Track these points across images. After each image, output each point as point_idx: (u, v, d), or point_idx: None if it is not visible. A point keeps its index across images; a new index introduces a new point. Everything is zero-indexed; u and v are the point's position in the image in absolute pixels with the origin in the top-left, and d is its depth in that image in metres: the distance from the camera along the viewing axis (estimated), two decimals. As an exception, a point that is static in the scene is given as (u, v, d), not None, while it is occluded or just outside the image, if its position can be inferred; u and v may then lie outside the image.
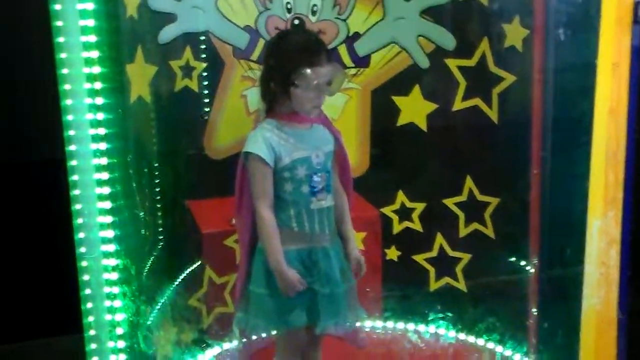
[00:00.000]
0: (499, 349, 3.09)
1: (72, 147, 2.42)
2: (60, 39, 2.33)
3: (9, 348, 3.57)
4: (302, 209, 2.48)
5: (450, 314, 3.20)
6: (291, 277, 2.44)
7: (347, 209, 2.65)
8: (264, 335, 2.67)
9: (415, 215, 3.07)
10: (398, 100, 2.88)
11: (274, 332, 2.60)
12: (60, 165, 2.46)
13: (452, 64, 2.77)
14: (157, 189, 2.99)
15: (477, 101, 2.78)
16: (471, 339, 3.16)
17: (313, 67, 2.39)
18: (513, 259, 3.12)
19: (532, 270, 2.99)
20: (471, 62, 2.74)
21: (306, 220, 2.49)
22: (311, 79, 2.39)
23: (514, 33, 2.69)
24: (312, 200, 2.48)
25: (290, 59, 2.41)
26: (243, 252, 2.60)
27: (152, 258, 2.90)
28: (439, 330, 3.22)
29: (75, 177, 2.45)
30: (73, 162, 2.43)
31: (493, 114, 2.77)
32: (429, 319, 3.21)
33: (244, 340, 2.67)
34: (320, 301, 2.49)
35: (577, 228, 2.42)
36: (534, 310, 3.01)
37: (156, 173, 2.96)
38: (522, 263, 3.06)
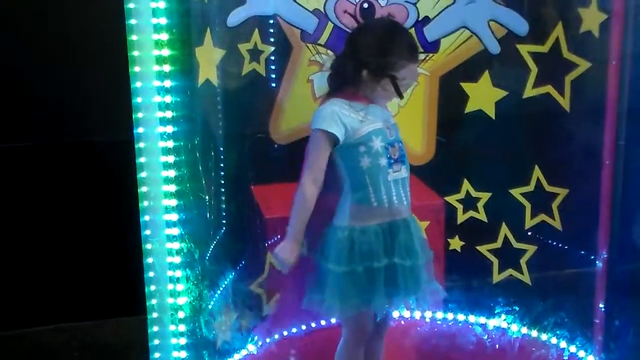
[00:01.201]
0: (565, 345, 3.02)
1: (140, 130, 2.42)
2: (132, 21, 2.33)
3: (76, 326, 3.62)
4: (380, 183, 2.46)
5: (515, 308, 3.13)
6: (286, 252, 2.45)
7: None
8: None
9: (480, 205, 3.00)
10: (467, 86, 2.80)
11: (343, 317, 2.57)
12: (128, 148, 2.46)
13: (524, 49, 2.68)
14: (222, 173, 2.98)
15: (548, 88, 2.68)
16: (536, 333, 3.09)
17: (412, 64, 2.46)
18: (581, 252, 3.04)
19: (601, 265, 2.90)
20: (544, 48, 2.64)
21: (384, 193, 2.46)
22: (409, 75, 2.45)
23: (591, 17, 2.59)
24: (389, 172, 2.47)
25: (397, 54, 2.43)
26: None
27: (215, 242, 2.89)
28: (503, 324, 3.16)
29: (142, 160, 2.45)
30: (141, 145, 2.43)
31: (565, 102, 2.68)
32: (493, 312, 3.15)
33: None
34: (400, 275, 2.46)
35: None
36: (602, 306, 2.92)
37: (222, 157, 2.95)
38: (591, 257, 2.97)
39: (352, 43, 2.51)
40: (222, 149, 2.91)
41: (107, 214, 3.55)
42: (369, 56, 2.42)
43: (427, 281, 2.54)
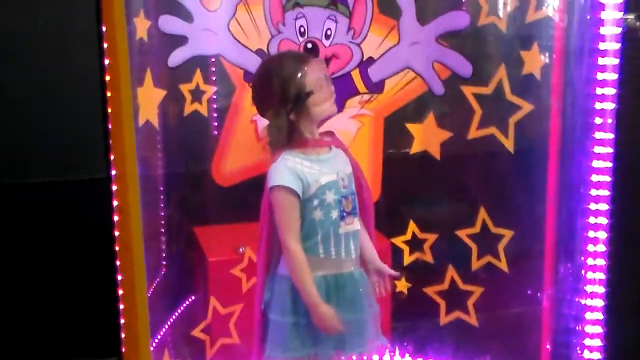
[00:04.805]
0: (513, 385, 2.99)
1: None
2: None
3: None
4: (330, 235, 2.42)
5: (461, 349, 3.10)
6: (328, 312, 2.36)
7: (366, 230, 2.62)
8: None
9: (426, 247, 2.98)
10: (412, 127, 2.80)
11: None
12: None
13: (468, 91, 2.69)
14: (162, 214, 2.91)
15: (493, 130, 2.69)
16: (484, 374, 3.06)
17: (310, 66, 2.39)
18: (527, 292, 3.03)
19: (547, 304, 2.89)
20: (487, 90, 2.66)
21: (333, 245, 2.43)
22: (317, 75, 2.38)
23: (533, 60, 2.61)
24: (341, 225, 2.44)
25: (292, 77, 2.37)
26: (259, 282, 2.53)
27: (155, 285, 2.81)
28: (450, 365, 3.12)
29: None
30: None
31: (509, 143, 2.68)
32: (440, 353, 3.11)
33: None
34: (346, 329, 2.41)
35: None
36: (548, 346, 2.91)
37: (162, 197, 2.88)
38: (537, 296, 2.96)
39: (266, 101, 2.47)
40: (162, 189, 2.85)
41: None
42: (282, 99, 2.38)
43: (373, 336, 2.51)
